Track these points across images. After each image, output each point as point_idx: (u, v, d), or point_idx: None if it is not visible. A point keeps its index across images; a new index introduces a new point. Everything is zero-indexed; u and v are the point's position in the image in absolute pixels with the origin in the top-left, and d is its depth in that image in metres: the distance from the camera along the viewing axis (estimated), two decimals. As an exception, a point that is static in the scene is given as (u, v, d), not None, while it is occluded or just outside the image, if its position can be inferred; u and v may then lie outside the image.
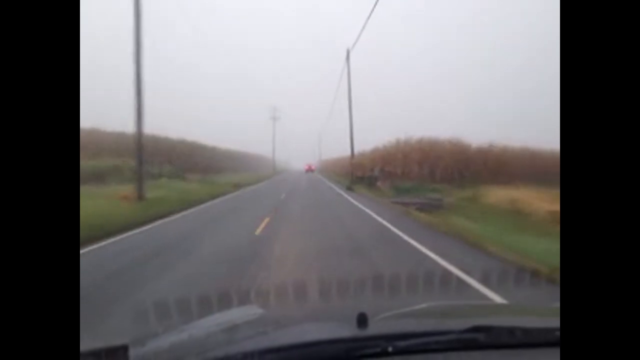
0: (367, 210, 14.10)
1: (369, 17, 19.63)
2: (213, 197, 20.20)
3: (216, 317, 2.17)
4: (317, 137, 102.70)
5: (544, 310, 2.07)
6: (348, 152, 34.26)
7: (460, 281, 5.25)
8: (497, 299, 4.46)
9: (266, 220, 11.18)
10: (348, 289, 4.56)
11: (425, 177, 27.76)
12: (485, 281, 4.99)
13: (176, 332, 1.75)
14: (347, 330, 1.41)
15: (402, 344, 1.29)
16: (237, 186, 29.19)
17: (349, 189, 25.87)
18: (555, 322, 1.31)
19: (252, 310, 2.34)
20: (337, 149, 69.01)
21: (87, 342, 1.24)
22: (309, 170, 79.90)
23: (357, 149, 33.01)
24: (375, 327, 1.41)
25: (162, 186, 23.00)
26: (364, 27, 22.09)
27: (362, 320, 1.39)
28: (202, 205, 16.63)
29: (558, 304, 1.34)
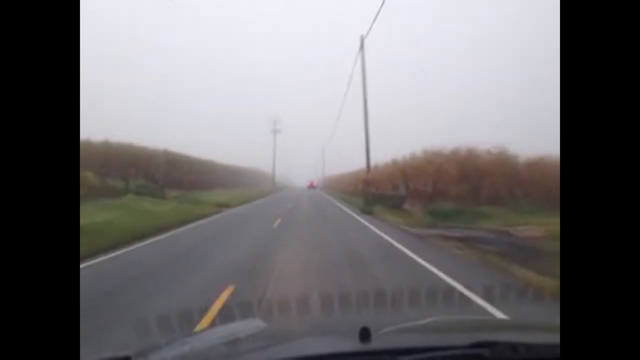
0: (417, 258, 8.46)
1: (379, 11, 17.45)
2: (180, 223, 14.40)
3: (218, 329, 2.40)
4: (321, 151, 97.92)
5: (548, 325, 2.10)
6: (354, 168, 36.32)
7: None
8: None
9: (226, 292, 5.75)
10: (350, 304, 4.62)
11: (465, 197, 20.99)
12: None
13: (178, 344, 1.80)
14: (349, 344, 1.46)
15: (404, 358, 1.32)
16: (223, 206, 25.24)
17: (366, 212, 19.57)
18: (559, 337, 1.39)
19: (254, 324, 2.32)
20: (342, 165, 65.13)
21: (89, 354, 1.32)
22: (311, 186, 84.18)
23: (363, 164, 28.59)
24: (378, 342, 1.45)
25: (119, 206, 18.94)
26: (375, 18, 17.03)
27: (364, 335, 1.42)
28: (148, 241, 11.60)
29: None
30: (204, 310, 4.88)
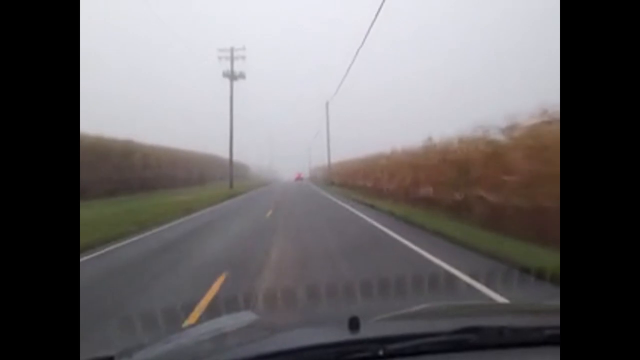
0: None
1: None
2: None
3: (206, 325, 2.26)
4: (317, 136, 69.51)
5: (540, 307, 2.17)
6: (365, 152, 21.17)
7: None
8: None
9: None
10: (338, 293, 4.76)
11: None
12: None
13: (163, 342, 1.77)
14: (338, 334, 1.48)
15: (393, 346, 1.37)
16: None
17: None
18: (547, 320, 1.47)
19: (245, 317, 2.34)
20: (348, 150, 44.10)
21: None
22: (298, 178, 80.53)
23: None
24: (367, 331, 1.48)
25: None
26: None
27: (354, 324, 1.46)
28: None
29: (555, 301, 1.47)
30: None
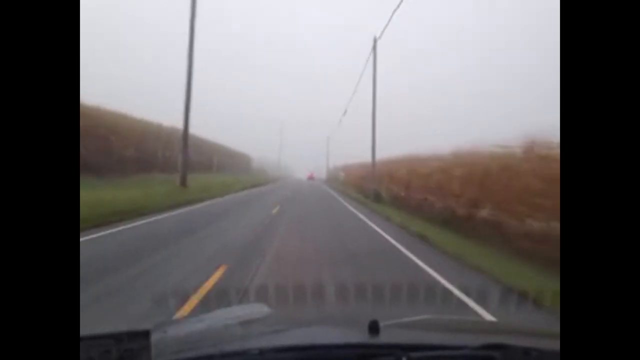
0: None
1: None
2: None
3: (231, 310, 2.58)
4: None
5: (550, 332, 2.11)
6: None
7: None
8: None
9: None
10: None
11: None
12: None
13: (195, 320, 1.92)
14: (359, 336, 1.50)
15: (416, 354, 1.35)
16: None
17: None
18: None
19: (260, 309, 2.32)
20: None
21: (111, 327, 1.46)
22: (310, 178, 75.50)
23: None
24: (387, 335, 1.50)
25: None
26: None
27: (373, 328, 1.47)
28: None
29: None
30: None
